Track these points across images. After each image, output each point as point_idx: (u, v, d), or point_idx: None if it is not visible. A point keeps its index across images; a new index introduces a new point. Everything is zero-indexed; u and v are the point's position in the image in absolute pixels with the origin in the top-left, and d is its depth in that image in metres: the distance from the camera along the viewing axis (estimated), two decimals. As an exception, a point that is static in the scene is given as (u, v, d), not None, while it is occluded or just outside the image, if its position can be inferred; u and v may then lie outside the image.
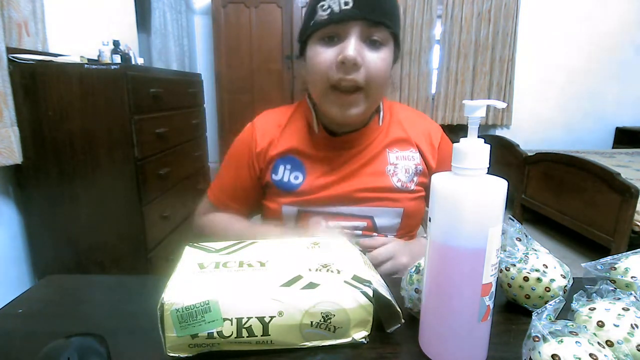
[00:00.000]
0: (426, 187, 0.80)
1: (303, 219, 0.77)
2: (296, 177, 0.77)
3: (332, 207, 0.76)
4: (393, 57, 0.72)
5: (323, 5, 0.66)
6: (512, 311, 0.51)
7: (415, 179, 0.78)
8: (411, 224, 0.80)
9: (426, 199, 0.82)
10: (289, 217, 0.78)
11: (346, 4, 0.64)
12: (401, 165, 0.77)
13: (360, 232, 0.76)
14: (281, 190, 0.77)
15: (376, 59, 0.67)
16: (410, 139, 0.79)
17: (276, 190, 0.78)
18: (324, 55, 0.67)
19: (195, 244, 0.55)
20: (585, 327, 0.36)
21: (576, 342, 0.34)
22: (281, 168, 0.78)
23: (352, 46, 0.64)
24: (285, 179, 0.77)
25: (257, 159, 0.79)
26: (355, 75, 0.66)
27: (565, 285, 0.49)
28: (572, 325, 0.35)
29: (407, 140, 0.79)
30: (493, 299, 0.40)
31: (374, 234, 0.77)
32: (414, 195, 0.78)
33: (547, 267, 0.49)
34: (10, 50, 1.37)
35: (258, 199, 0.84)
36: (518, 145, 3.03)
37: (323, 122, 0.78)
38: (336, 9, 0.65)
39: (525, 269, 0.49)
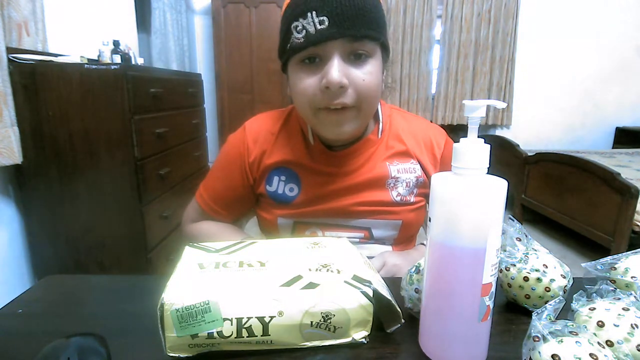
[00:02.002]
0: (427, 197, 0.77)
1: (299, 230, 0.76)
2: (291, 189, 0.74)
3: (329, 219, 0.75)
4: (383, 64, 0.67)
5: (297, 27, 0.60)
6: (512, 311, 0.51)
7: (415, 190, 0.75)
8: (409, 234, 0.79)
9: (427, 205, 0.81)
10: (284, 228, 0.76)
11: (321, 22, 0.58)
12: (402, 178, 0.74)
13: (357, 240, 0.76)
14: (276, 202, 0.75)
15: (363, 75, 0.62)
16: (409, 151, 0.75)
17: (270, 202, 0.76)
18: (307, 81, 0.63)
19: (195, 244, 0.55)
20: (585, 327, 0.36)
21: (576, 342, 0.34)
22: (275, 179, 0.75)
23: (334, 69, 0.59)
24: (280, 191, 0.74)
25: (251, 168, 0.76)
26: (343, 98, 0.62)
27: (565, 285, 0.49)
28: (572, 325, 0.35)
29: (406, 152, 0.75)
30: (493, 299, 0.40)
31: (371, 241, 0.76)
32: (413, 207, 0.76)
33: (547, 267, 0.49)
34: (10, 50, 1.37)
35: (249, 206, 0.83)
36: (518, 145, 3.03)
37: (317, 132, 0.73)
38: (311, 30, 0.59)
39: (525, 269, 0.49)
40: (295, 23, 0.61)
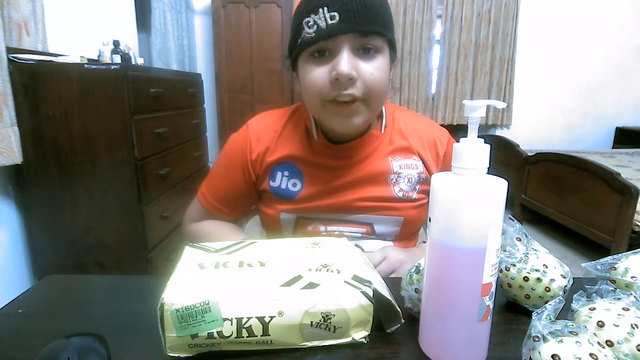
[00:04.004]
0: (429, 194, 0.78)
1: (302, 226, 0.76)
2: (294, 185, 0.75)
3: (332, 215, 0.75)
4: (390, 61, 0.68)
5: (308, 22, 0.62)
6: (512, 311, 0.51)
7: (417, 187, 0.76)
8: (411, 231, 0.79)
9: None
10: (287, 224, 0.77)
11: (332, 18, 0.60)
12: (404, 174, 0.75)
13: (359, 235, 0.76)
14: (279, 197, 0.76)
15: (372, 69, 0.64)
16: (411, 147, 0.76)
17: (273, 197, 0.76)
18: (316, 73, 0.64)
19: (195, 244, 0.55)
20: (585, 327, 0.36)
21: (576, 342, 0.34)
22: (279, 175, 0.76)
23: (344, 61, 0.61)
24: (283, 186, 0.75)
25: (253, 166, 0.77)
26: (352, 90, 0.63)
27: (565, 285, 0.49)
28: (572, 325, 0.35)
29: (408, 148, 0.76)
30: (493, 299, 0.40)
31: (372, 236, 0.76)
32: (416, 204, 0.76)
33: (547, 267, 0.49)
34: (10, 50, 1.37)
35: (252, 203, 0.83)
36: (518, 145, 3.04)
37: (322, 129, 0.75)
38: (322, 24, 0.61)
39: (525, 269, 0.49)
40: (307, 19, 0.63)
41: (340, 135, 0.74)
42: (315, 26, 0.62)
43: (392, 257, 0.69)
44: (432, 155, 0.77)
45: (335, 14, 0.60)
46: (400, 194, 0.75)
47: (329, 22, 0.61)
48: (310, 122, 0.75)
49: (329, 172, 0.74)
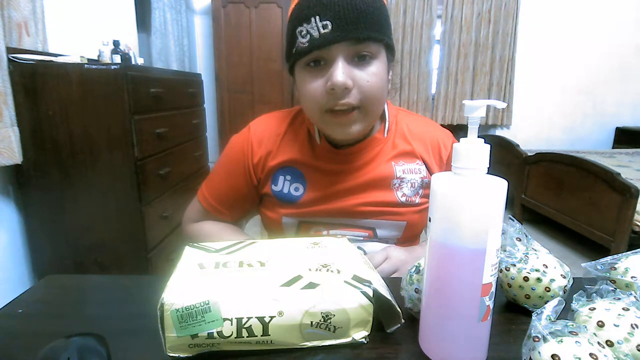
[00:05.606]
0: None
1: (304, 229, 0.76)
2: (296, 189, 0.74)
3: (334, 219, 0.75)
4: (387, 64, 0.68)
5: (301, 31, 0.61)
6: (512, 311, 0.51)
7: (420, 191, 0.75)
8: (413, 234, 0.79)
9: None
10: (289, 227, 0.76)
11: (325, 27, 0.59)
12: (407, 178, 0.74)
13: (361, 239, 0.76)
14: (281, 202, 0.75)
15: (368, 76, 0.63)
16: (414, 151, 0.76)
17: (275, 201, 0.76)
18: (312, 84, 0.64)
19: (195, 244, 0.55)
20: (585, 327, 0.36)
21: (576, 342, 0.34)
22: (281, 179, 0.75)
23: (339, 71, 0.60)
24: (285, 190, 0.75)
25: (255, 169, 0.76)
26: (348, 98, 0.62)
27: (565, 285, 0.49)
28: (572, 325, 0.35)
29: (411, 152, 0.75)
30: (493, 299, 0.40)
31: (374, 240, 0.76)
32: (418, 209, 0.76)
33: (547, 267, 0.49)
34: (10, 50, 1.37)
35: (252, 205, 0.83)
36: (518, 145, 3.04)
37: (324, 134, 0.74)
38: (315, 34, 0.60)
39: (525, 269, 0.49)
40: (300, 28, 0.62)
41: (342, 140, 0.73)
42: (309, 36, 0.61)
43: (394, 257, 0.68)
44: (435, 159, 0.77)
45: (328, 22, 0.59)
46: (403, 199, 0.74)
47: (322, 31, 0.60)
48: (312, 127, 0.75)
49: (331, 176, 0.74)
